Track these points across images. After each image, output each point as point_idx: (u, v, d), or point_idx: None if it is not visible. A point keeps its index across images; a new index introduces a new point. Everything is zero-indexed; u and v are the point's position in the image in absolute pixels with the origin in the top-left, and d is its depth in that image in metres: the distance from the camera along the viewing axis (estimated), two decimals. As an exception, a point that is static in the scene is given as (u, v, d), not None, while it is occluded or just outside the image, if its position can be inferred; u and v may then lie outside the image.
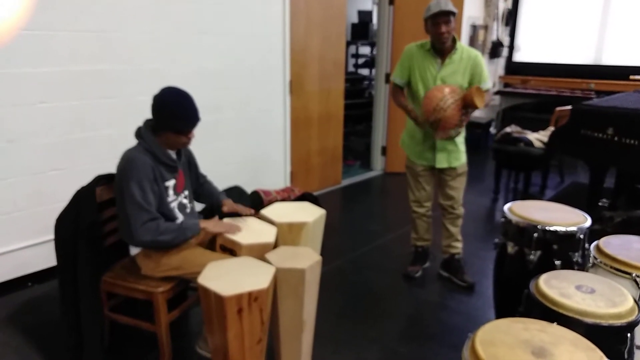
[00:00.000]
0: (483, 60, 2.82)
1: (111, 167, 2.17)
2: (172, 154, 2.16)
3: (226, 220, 2.31)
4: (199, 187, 2.44)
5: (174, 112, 2.05)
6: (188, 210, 2.27)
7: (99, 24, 2.97)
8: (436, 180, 3.03)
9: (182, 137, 2.11)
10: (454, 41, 2.76)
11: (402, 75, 2.88)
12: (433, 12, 2.64)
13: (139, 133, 2.11)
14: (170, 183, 2.15)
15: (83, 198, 2.12)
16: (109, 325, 2.28)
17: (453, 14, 2.65)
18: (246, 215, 2.40)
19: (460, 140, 2.90)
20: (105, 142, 3.11)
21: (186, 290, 2.43)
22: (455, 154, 2.89)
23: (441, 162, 2.89)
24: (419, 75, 2.81)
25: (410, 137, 2.97)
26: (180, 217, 2.20)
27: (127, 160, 2.04)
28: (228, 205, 2.42)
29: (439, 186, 3.02)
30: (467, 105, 2.59)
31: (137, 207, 1.99)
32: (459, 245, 3.08)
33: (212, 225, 2.19)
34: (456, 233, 3.05)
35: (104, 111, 3.08)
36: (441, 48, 2.75)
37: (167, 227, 2.05)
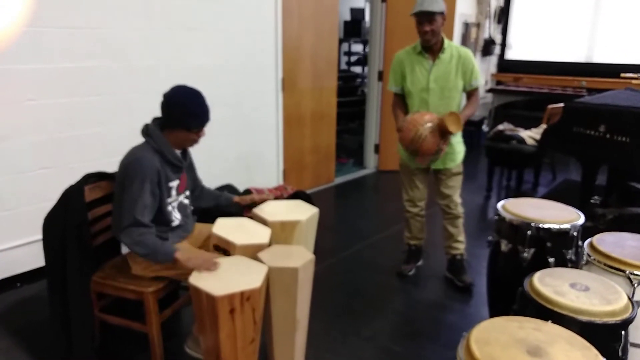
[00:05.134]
0: (473, 57, 2.80)
1: (100, 166, 2.14)
2: (178, 153, 2.15)
3: (204, 254, 2.07)
4: (198, 190, 2.42)
5: (186, 109, 2.03)
6: (189, 210, 2.27)
7: (89, 20, 2.92)
8: (431, 179, 3.01)
9: (192, 135, 2.09)
10: (442, 40, 2.74)
11: (397, 82, 2.87)
12: (414, 11, 2.65)
13: (146, 131, 2.08)
14: (174, 184, 2.15)
15: (72, 197, 2.08)
16: (99, 326, 2.25)
17: (436, 13, 2.61)
18: (264, 200, 2.47)
19: (457, 140, 2.87)
20: (95, 140, 3.06)
21: (177, 289, 2.40)
22: (451, 156, 2.86)
23: (436, 164, 2.87)
24: (411, 80, 2.80)
25: None
26: (178, 218, 2.18)
27: (135, 159, 2.00)
28: (242, 199, 2.48)
29: (435, 186, 3.00)
30: (443, 131, 2.54)
31: (131, 208, 1.96)
32: (460, 246, 3.03)
33: (185, 259, 1.94)
34: (456, 234, 3.00)
35: (93, 109, 3.03)
36: (428, 46, 2.74)
37: (145, 241, 1.95)
